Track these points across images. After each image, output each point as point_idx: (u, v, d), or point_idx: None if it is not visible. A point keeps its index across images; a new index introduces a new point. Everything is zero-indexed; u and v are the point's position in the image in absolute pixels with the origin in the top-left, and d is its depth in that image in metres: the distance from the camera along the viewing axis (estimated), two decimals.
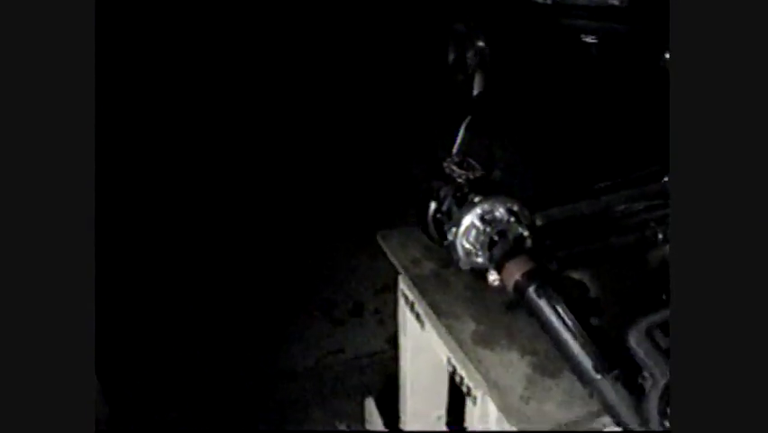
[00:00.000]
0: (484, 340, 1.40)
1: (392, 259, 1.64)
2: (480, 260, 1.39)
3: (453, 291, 1.52)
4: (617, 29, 3.35)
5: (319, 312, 2.61)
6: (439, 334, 1.46)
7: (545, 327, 1.22)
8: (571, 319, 1.19)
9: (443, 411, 1.85)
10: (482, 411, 1.36)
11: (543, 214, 1.56)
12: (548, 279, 1.26)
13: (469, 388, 1.39)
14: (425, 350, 1.63)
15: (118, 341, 2.25)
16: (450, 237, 1.41)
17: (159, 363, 2.35)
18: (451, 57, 3.93)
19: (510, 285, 1.28)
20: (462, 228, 1.40)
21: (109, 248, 2.05)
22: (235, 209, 3.02)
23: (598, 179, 1.69)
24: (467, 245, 1.40)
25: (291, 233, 2.91)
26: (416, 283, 1.55)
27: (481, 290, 1.49)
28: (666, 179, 1.68)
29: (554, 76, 3.51)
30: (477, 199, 1.40)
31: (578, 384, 1.25)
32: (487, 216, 1.39)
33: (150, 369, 2.32)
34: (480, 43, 3.69)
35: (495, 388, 1.30)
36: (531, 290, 1.23)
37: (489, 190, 1.44)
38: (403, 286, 1.62)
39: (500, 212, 1.40)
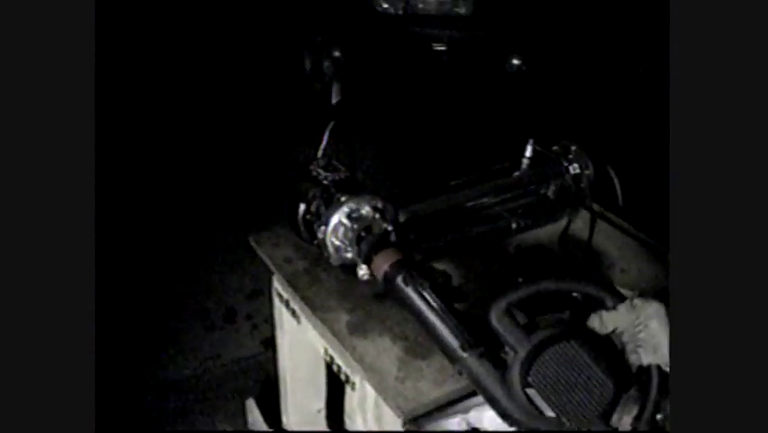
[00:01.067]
0: (357, 329, 1.49)
1: (265, 259, 1.70)
2: (349, 255, 1.48)
3: (326, 286, 1.60)
4: (464, 37, 3.57)
5: (193, 319, 2.63)
6: (315, 327, 1.54)
7: (414, 312, 1.33)
8: (436, 303, 1.30)
9: (322, 404, 1.93)
10: (361, 396, 1.45)
11: (405, 210, 1.68)
12: (414, 267, 1.36)
13: (347, 375, 1.48)
14: (302, 345, 1.71)
15: None
16: (320, 236, 1.50)
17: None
18: (307, 66, 4.03)
19: (380, 276, 1.37)
20: (331, 226, 1.49)
21: None
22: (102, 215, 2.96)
23: (454, 176, 1.82)
24: (336, 242, 1.49)
25: (160, 241, 2.90)
26: (290, 281, 1.63)
27: (352, 283, 1.59)
28: (516, 173, 1.84)
29: (408, 82, 3.69)
30: (343, 199, 1.49)
31: (448, 364, 1.36)
32: (353, 214, 1.49)
33: None
34: (336, 53, 3.83)
35: (371, 371, 1.39)
36: (399, 278, 1.33)
37: (354, 190, 1.54)
38: (277, 285, 1.69)
39: (366, 209, 1.50)
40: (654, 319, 1.18)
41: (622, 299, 1.23)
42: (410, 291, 1.32)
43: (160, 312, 2.60)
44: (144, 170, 3.27)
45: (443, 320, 1.29)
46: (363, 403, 1.44)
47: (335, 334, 1.48)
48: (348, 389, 1.49)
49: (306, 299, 1.57)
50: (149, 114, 3.62)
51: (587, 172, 1.85)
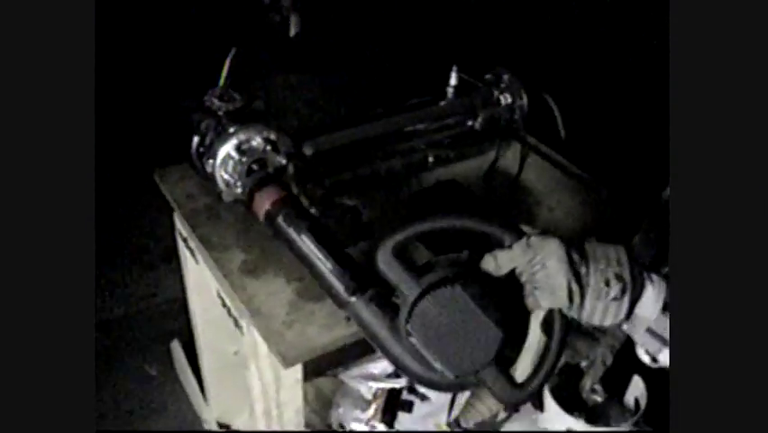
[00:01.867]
0: (251, 270, 1.40)
1: (167, 195, 1.60)
2: (239, 191, 1.39)
3: (224, 224, 1.51)
4: None
5: (131, 258, 2.54)
6: (209, 266, 1.46)
7: (298, 254, 1.23)
8: (320, 245, 1.20)
9: (238, 347, 1.85)
10: (251, 341, 1.36)
11: (311, 142, 1.57)
12: (297, 207, 1.26)
13: (236, 319, 1.39)
14: (205, 285, 1.62)
15: None
16: (208, 169, 1.40)
17: None
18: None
19: (261, 215, 1.28)
20: (219, 159, 1.38)
21: None
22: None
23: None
24: (226, 176, 1.39)
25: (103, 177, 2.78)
26: (189, 218, 1.53)
27: (252, 221, 1.49)
28: (442, 103, 1.73)
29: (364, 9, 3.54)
30: (232, 130, 1.39)
31: None
32: (243, 147, 1.38)
33: None
34: None
35: (257, 315, 1.30)
36: (279, 219, 1.23)
37: (248, 121, 1.43)
38: (177, 222, 1.60)
39: (257, 141, 1.39)
40: (552, 258, 1.07)
41: (521, 237, 1.13)
42: (291, 232, 1.22)
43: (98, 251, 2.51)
44: None
45: (325, 263, 1.19)
46: (255, 349, 1.36)
47: (226, 274, 1.39)
48: (238, 333, 1.41)
49: (202, 238, 1.48)
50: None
51: (520, 102, 1.74)
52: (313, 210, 1.46)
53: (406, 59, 3.30)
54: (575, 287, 1.04)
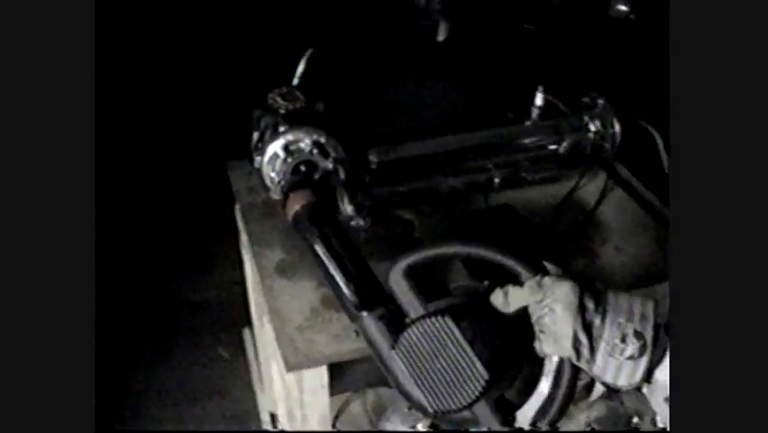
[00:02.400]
0: (285, 270, 1.41)
1: (234, 188, 1.64)
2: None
3: (274, 222, 1.52)
4: None
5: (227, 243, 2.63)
6: (248, 260, 1.47)
7: (316, 261, 1.21)
8: (332, 255, 1.18)
9: None
10: (270, 339, 1.37)
11: (379, 150, 1.55)
12: (323, 213, 1.24)
13: (256, 314, 1.40)
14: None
15: None
16: (256, 166, 1.41)
17: None
18: (421, 2, 3.89)
19: (290, 217, 1.27)
20: (267, 157, 1.39)
21: None
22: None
23: None
24: (272, 174, 1.40)
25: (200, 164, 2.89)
26: (244, 211, 1.56)
27: None
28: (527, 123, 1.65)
29: (509, 22, 3.46)
30: (283, 129, 1.39)
31: None
32: (291, 147, 1.39)
33: None
34: None
35: (275, 314, 1.31)
36: (301, 222, 1.22)
37: (306, 122, 1.43)
38: (237, 214, 1.63)
39: (305, 143, 1.39)
40: (560, 304, 1.00)
41: (539, 274, 1.07)
42: (308, 238, 1.20)
43: (197, 234, 2.62)
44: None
45: (340, 274, 1.17)
46: (266, 348, 1.36)
47: (261, 270, 1.40)
48: (257, 328, 1.42)
49: (250, 232, 1.50)
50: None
51: (612, 131, 1.64)
52: (360, 220, 1.45)
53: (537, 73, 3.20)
54: (584, 338, 0.96)
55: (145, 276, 2.48)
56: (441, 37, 3.74)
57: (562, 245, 1.49)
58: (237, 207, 1.61)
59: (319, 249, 1.18)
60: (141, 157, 2.94)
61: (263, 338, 1.39)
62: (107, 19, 3.34)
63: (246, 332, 2.14)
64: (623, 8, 3.00)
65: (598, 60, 3.02)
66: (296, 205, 1.26)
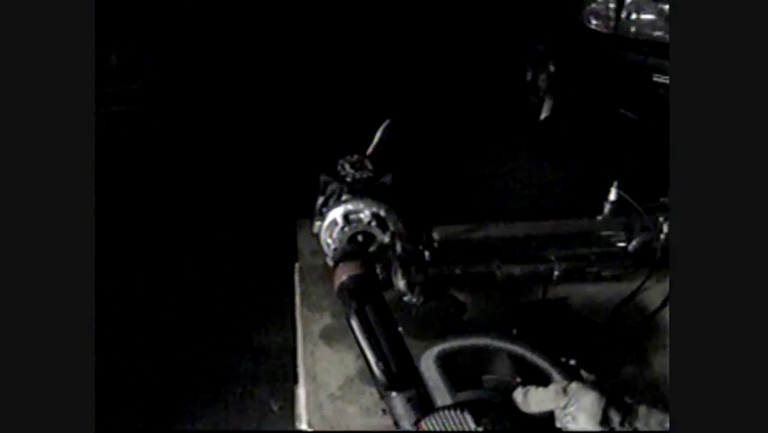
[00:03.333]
0: (330, 336, 1.42)
1: (298, 246, 1.67)
2: None
3: (330, 285, 1.53)
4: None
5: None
6: (297, 322, 1.49)
7: (353, 334, 1.22)
8: (371, 333, 1.18)
9: None
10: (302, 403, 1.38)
11: (443, 228, 1.56)
12: (368, 287, 1.26)
13: (295, 376, 1.42)
14: None
15: None
16: (314, 231, 1.45)
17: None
18: (528, 77, 3.90)
19: (336, 285, 1.29)
20: (326, 223, 1.43)
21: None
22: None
23: None
24: (329, 241, 1.43)
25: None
26: (303, 272, 1.58)
27: None
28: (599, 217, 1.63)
29: (615, 109, 3.41)
30: (345, 198, 1.42)
31: None
32: (351, 216, 1.41)
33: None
34: (552, 67, 3.66)
35: (311, 381, 1.32)
36: (343, 294, 1.24)
37: (371, 193, 1.45)
38: (296, 273, 1.65)
39: (365, 214, 1.41)
40: (584, 414, 0.99)
41: (572, 380, 1.05)
42: (351, 312, 1.22)
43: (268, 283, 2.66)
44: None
45: (372, 352, 1.18)
46: (298, 411, 1.37)
47: (305, 334, 1.42)
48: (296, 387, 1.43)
49: (303, 293, 1.53)
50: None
51: None
52: (411, 296, 1.45)
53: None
54: None
55: (210, 318, 2.53)
56: (544, 115, 3.73)
57: (615, 348, 1.45)
58: (297, 266, 1.64)
59: (354, 324, 1.19)
60: (223, 206, 3.03)
61: (297, 400, 1.40)
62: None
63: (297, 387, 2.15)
64: None
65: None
66: (343, 275, 1.28)
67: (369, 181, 1.47)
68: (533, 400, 1.03)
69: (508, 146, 3.70)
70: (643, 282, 1.60)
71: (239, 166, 3.24)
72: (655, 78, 3.35)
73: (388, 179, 1.50)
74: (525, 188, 3.43)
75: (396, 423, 1.15)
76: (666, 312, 1.55)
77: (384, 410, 1.19)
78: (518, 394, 1.04)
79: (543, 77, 4.00)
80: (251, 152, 3.34)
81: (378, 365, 1.15)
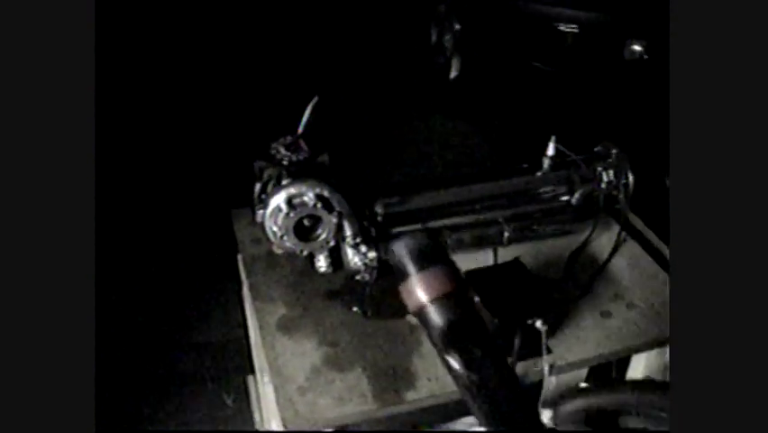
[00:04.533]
0: (287, 326, 1.37)
1: (237, 237, 1.61)
2: (289, 244, 1.35)
3: (279, 274, 1.49)
4: (588, 18, 3.26)
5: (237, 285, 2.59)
6: (250, 315, 1.44)
7: (459, 384, 0.99)
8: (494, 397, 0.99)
9: None
10: (267, 396, 1.33)
11: (384, 201, 1.52)
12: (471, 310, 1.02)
13: (260, 370, 1.36)
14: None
15: None
16: (258, 219, 1.38)
17: None
18: (433, 38, 3.88)
19: (413, 307, 1.02)
20: (269, 210, 1.36)
21: None
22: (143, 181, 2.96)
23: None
24: (274, 228, 1.36)
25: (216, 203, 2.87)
26: (247, 263, 1.52)
27: (310, 275, 1.46)
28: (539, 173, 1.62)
29: (524, 61, 3.44)
30: (286, 182, 1.36)
31: (359, 382, 1.22)
32: (294, 200, 1.35)
33: None
34: (456, 26, 3.64)
35: (277, 375, 1.27)
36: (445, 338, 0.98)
37: (311, 174, 1.39)
38: (240, 265, 1.59)
39: (309, 196, 1.36)
40: None
41: None
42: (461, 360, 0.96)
43: (203, 276, 2.58)
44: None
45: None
46: (268, 405, 1.32)
47: (262, 326, 1.37)
48: (259, 385, 1.38)
49: (252, 285, 1.47)
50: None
51: (625, 181, 1.59)
52: (365, 274, 1.41)
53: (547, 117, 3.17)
54: None
55: (149, 317, 2.45)
56: (453, 74, 3.72)
57: (573, 302, 1.45)
58: (240, 257, 1.58)
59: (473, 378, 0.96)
60: (149, 198, 2.92)
61: (265, 394, 1.35)
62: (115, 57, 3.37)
63: (250, 379, 2.10)
64: (637, 48, 2.97)
65: (611, 103, 2.99)
66: (429, 290, 0.99)
67: (306, 162, 1.42)
68: None
69: (421, 109, 3.68)
70: (591, 233, 1.60)
71: (163, 160, 3.13)
72: (561, 28, 3.39)
73: (325, 158, 1.44)
74: (444, 151, 3.43)
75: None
76: (617, 260, 1.56)
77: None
78: None
79: (447, 37, 3.99)
80: (176, 144, 3.24)
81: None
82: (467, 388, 0.95)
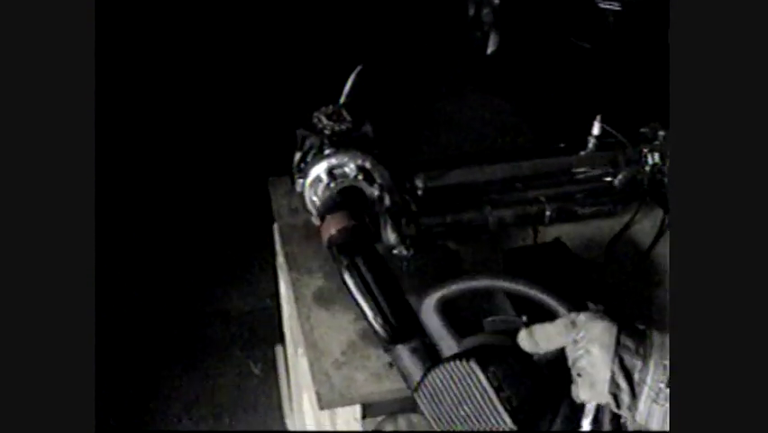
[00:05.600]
0: (324, 298, 1.35)
1: (273, 205, 1.59)
2: None
3: (315, 246, 1.46)
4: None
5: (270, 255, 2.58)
6: (286, 286, 1.42)
7: (348, 290, 1.15)
8: (367, 286, 1.11)
9: None
10: (304, 370, 1.31)
11: (425, 175, 1.49)
12: (359, 239, 1.18)
13: (295, 345, 1.35)
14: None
15: None
16: (298, 189, 1.36)
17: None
18: (471, 12, 3.80)
19: (324, 240, 1.21)
20: (309, 180, 1.34)
21: None
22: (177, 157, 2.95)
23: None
24: (314, 198, 1.34)
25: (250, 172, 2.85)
26: (284, 233, 1.50)
27: None
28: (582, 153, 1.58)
29: (563, 39, 3.36)
30: (328, 152, 1.34)
31: None
32: (335, 171, 1.33)
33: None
34: (496, 0, 3.56)
35: (312, 348, 1.25)
36: (336, 249, 1.16)
37: (352, 145, 1.37)
38: (276, 234, 1.57)
39: (350, 168, 1.33)
40: (597, 344, 0.91)
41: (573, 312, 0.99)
42: (341, 265, 1.14)
43: (236, 245, 2.57)
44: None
45: (369, 306, 1.10)
46: (307, 379, 1.30)
47: (298, 297, 1.35)
48: (291, 354, 1.36)
49: (288, 255, 1.45)
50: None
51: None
52: (403, 249, 1.38)
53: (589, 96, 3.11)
54: (623, 383, 0.88)
55: (178, 285, 2.45)
56: (490, 49, 3.65)
57: (614, 287, 1.42)
58: (276, 226, 1.56)
59: (348, 279, 1.12)
60: (181, 166, 2.91)
61: (297, 367, 1.33)
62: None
63: (279, 350, 2.09)
64: None
65: (653, 85, 2.92)
66: (331, 228, 1.20)
67: (349, 133, 1.39)
68: (540, 337, 0.96)
69: (457, 85, 3.64)
70: (633, 216, 1.56)
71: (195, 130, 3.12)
72: (601, 5, 3.32)
73: (368, 128, 1.42)
74: (480, 127, 3.38)
75: (404, 377, 1.09)
76: (660, 247, 1.53)
77: (391, 364, 1.13)
78: (523, 335, 0.97)
79: (486, 11, 3.92)
80: (210, 112, 3.22)
81: (376, 320, 1.08)
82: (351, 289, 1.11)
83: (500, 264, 1.42)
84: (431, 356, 1.05)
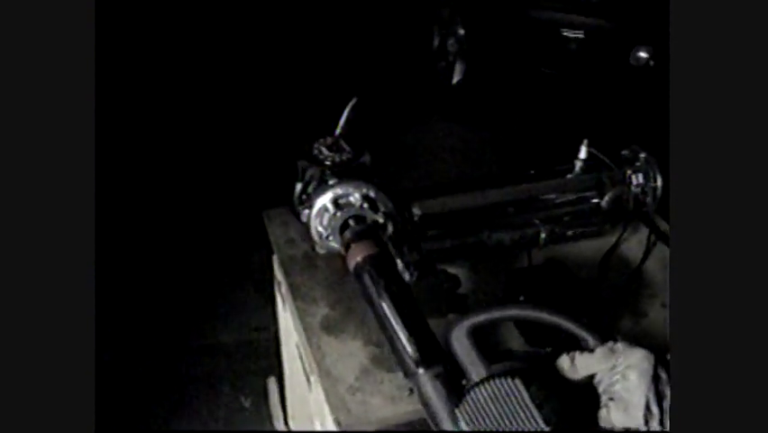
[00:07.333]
0: (332, 326, 1.37)
1: (270, 237, 1.61)
2: (334, 244, 1.36)
3: (318, 275, 1.49)
4: (595, 25, 3.29)
5: (253, 288, 2.58)
6: (292, 316, 1.43)
7: (375, 314, 1.18)
8: (396, 309, 1.14)
9: None
10: (317, 399, 1.32)
11: (422, 203, 1.52)
12: (387, 266, 1.21)
13: (307, 374, 1.36)
14: (290, 333, 1.60)
15: None
16: (303, 220, 1.38)
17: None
18: (435, 42, 3.88)
19: (351, 268, 1.23)
20: (315, 210, 1.36)
21: None
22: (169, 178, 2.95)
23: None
24: (320, 228, 1.37)
25: (228, 205, 2.86)
26: (284, 264, 1.52)
27: (347, 277, 1.46)
28: (569, 176, 1.63)
29: (528, 67, 3.45)
30: (332, 182, 1.37)
31: None
32: (340, 201, 1.36)
33: None
34: (460, 31, 3.65)
35: (326, 376, 1.26)
36: (365, 274, 1.18)
37: (353, 174, 1.40)
38: (275, 266, 1.59)
39: (355, 197, 1.36)
40: (635, 371, 0.97)
41: (605, 341, 1.04)
42: (372, 290, 1.17)
43: (218, 278, 2.57)
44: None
45: (400, 328, 1.13)
46: (321, 408, 1.31)
47: (306, 327, 1.37)
48: (308, 388, 1.37)
49: (292, 286, 1.46)
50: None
51: (653, 185, 1.61)
52: (407, 274, 1.41)
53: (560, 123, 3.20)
54: (655, 409, 0.93)
55: (164, 320, 2.43)
56: (456, 79, 3.73)
57: (610, 302, 1.46)
58: (275, 258, 1.57)
59: (385, 301, 1.14)
60: (162, 200, 2.90)
61: (307, 396, 1.35)
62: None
63: (271, 382, 2.09)
64: (643, 55, 3.00)
65: (617, 108, 3.02)
66: (358, 255, 1.22)
67: (349, 163, 1.42)
68: (581, 365, 1.01)
69: (423, 114, 3.70)
70: (621, 234, 1.62)
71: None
72: (565, 33, 3.42)
73: (367, 158, 1.45)
74: (448, 155, 3.44)
75: (423, 402, 1.11)
76: (648, 262, 1.58)
77: (411, 389, 1.15)
78: (564, 361, 1.03)
79: (451, 41, 4.01)
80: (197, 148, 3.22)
81: (410, 342, 1.10)
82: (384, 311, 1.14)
83: (501, 285, 1.46)
84: (453, 383, 1.08)
